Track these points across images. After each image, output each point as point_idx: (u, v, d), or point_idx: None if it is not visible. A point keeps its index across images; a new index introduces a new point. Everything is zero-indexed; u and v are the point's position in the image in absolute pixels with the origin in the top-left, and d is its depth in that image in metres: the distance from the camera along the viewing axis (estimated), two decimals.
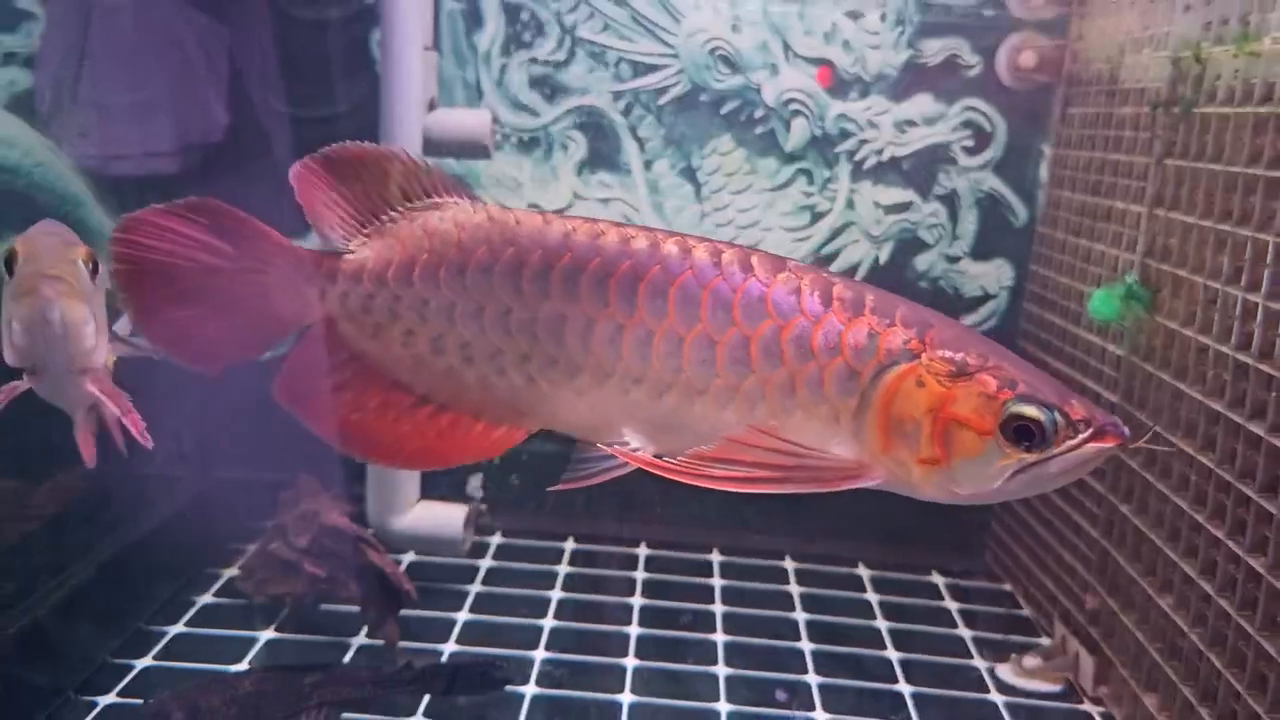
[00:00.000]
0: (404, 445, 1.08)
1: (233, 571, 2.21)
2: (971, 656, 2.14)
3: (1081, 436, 1.02)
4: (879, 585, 2.45)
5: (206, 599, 2.13)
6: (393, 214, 1.09)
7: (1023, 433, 1.01)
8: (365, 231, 1.08)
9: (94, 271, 1.19)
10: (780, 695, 1.94)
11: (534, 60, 2.48)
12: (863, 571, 2.52)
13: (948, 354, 1.04)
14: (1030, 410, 1.01)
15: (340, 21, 2.43)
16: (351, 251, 1.08)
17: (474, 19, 2.44)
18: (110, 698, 1.78)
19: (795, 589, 2.40)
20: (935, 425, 1.02)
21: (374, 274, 1.06)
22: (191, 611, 2.07)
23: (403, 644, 1.95)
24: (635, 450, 1.07)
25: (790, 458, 1.04)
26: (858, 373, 1.04)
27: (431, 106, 2.23)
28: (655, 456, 1.05)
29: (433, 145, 2.17)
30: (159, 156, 2.06)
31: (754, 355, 1.05)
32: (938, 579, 2.52)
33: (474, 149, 2.21)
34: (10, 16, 2.33)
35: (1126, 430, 1.05)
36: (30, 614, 1.81)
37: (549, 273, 1.05)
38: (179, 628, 2.01)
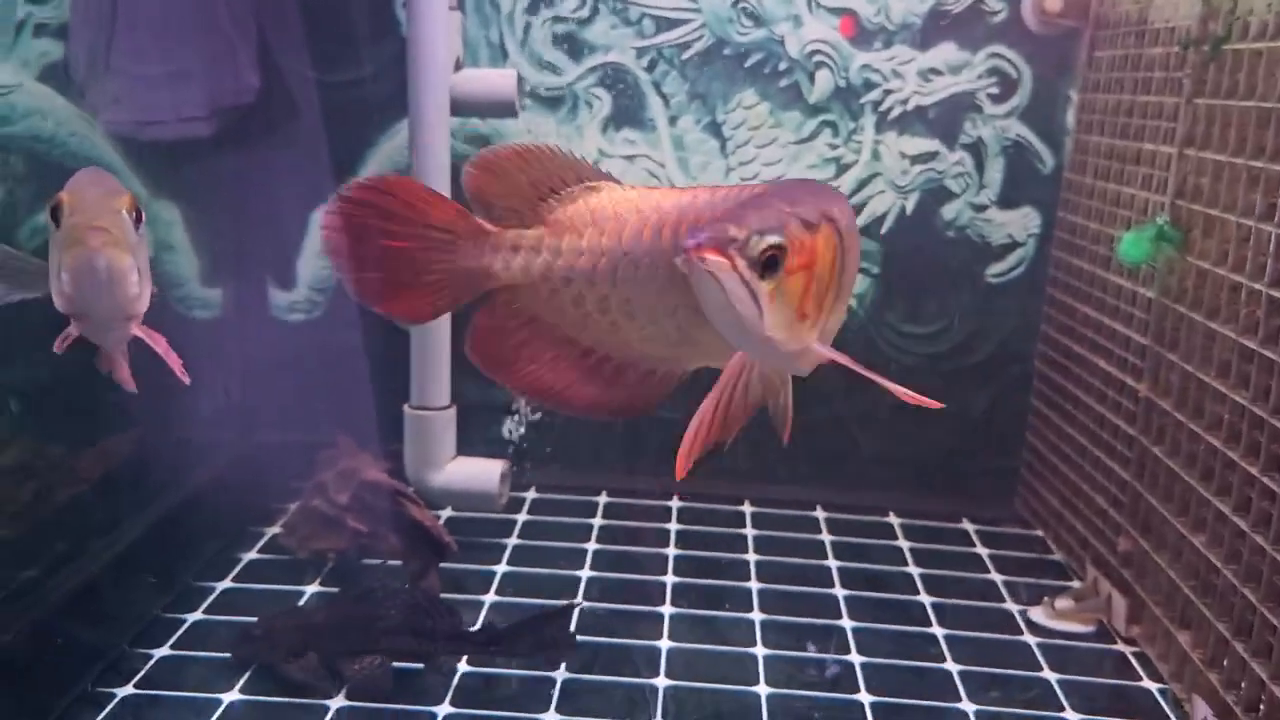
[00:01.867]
0: (576, 391, 1.23)
1: (275, 529, 2.26)
2: (1004, 600, 2.17)
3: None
4: (910, 533, 2.48)
5: (252, 555, 2.18)
6: (554, 198, 1.21)
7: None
8: (534, 212, 1.21)
9: (138, 220, 1.23)
10: (811, 648, 1.98)
11: (557, 18, 2.48)
12: (893, 520, 2.55)
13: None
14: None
15: None
16: (529, 227, 1.21)
17: None
18: (164, 650, 1.83)
19: (827, 538, 2.43)
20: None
21: (550, 246, 1.19)
22: (238, 568, 2.12)
23: (444, 595, 1.99)
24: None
25: None
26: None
27: (457, 67, 2.24)
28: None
29: (459, 105, 2.19)
30: (192, 121, 2.09)
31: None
32: (968, 525, 2.54)
33: (500, 108, 2.23)
34: None
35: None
36: (83, 572, 1.87)
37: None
38: (227, 583, 2.06)
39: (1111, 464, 2.12)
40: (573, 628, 1.80)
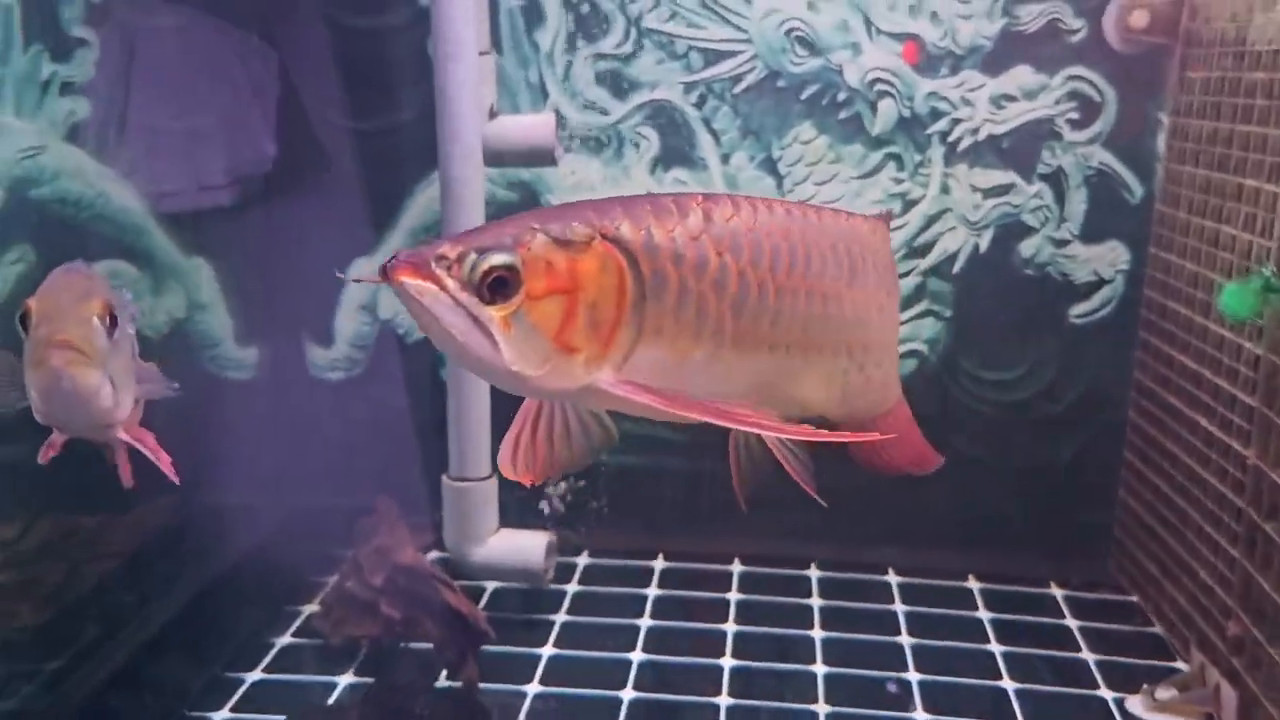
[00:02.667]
0: None
1: (312, 607, 2.15)
2: (1097, 686, 1.97)
3: None
4: (991, 601, 2.28)
5: (285, 640, 2.07)
6: None
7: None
8: None
9: (112, 325, 1.15)
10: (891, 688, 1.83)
11: (599, 55, 2.34)
12: (973, 585, 2.35)
13: None
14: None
15: (396, 28, 2.33)
16: None
17: (535, 15, 2.31)
18: None
19: (900, 608, 2.25)
20: None
21: None
22: (270, 655, 2.01)
23: (483, 685, 1.86)
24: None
25: None
26: None
27: (491, 114, 2.10)
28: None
29: (494, 156, 2.05)
30: (211, 190, 1.99)
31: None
32: (1056, 591, 2.34)
33: (539, 157, 2.09)
34: (65, 45, 2.28)
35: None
36: (110, 662, 1.78)
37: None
38: (257, 674, 1.95)
39: (1217, 536, 1.90)
40: None
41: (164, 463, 1.29)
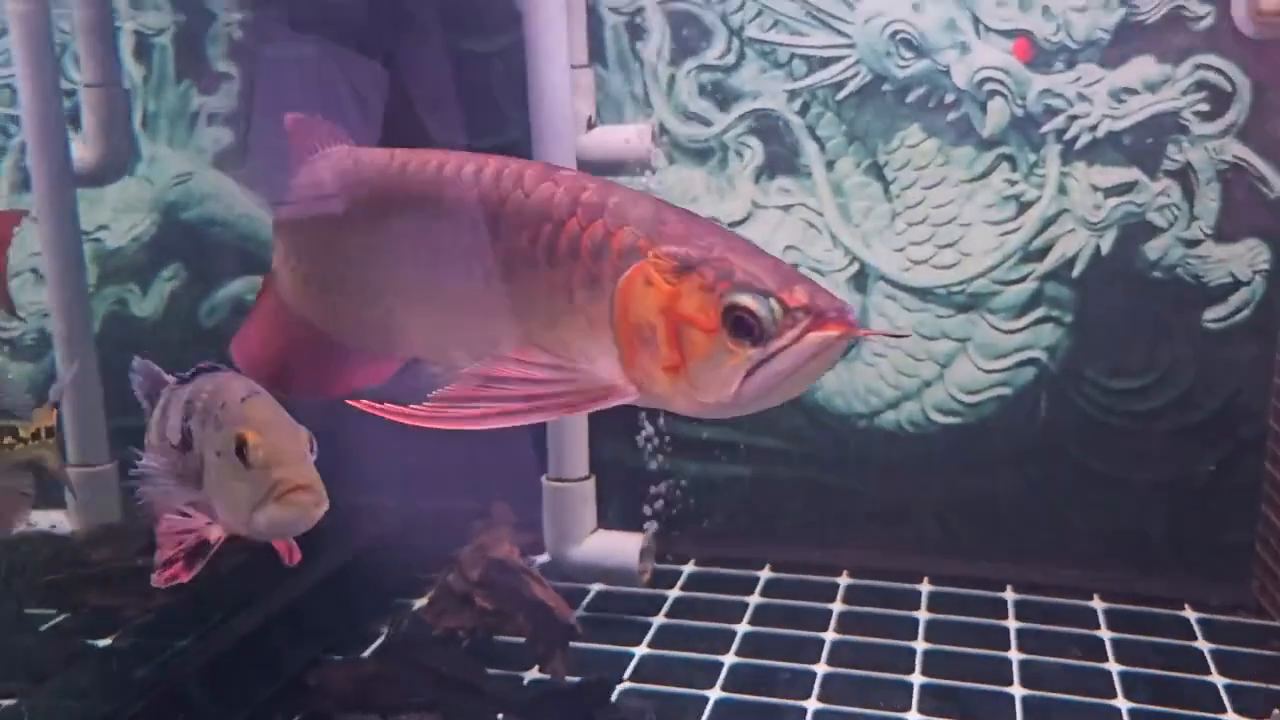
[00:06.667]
0: (303, 375, 1.28)
1: (422, 602, 2.23)
2: (1224, 710, 1.82)
3: (802, 325, 0.89)
4: (1115, 621, 2.14)
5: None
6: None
7: (741, 325, 0.91)
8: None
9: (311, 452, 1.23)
10: None
11: (702, 67, 2.37)
12: (1097, 604, 2.22)
13: (671, 249, 0.95)
14: (744, 299, 0.91)
15: (508, 49, 2.43)
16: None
17: (637, 30, 2.37)
18: None
19: (1013, 624, 2.14)
20: (668, 327, 0.94)
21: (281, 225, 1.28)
22: (375, 644, 2.09)
23: (570, 679, 1.88)
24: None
25: (540, 385, 0.99)
26: (597, 277, 0.98)
27: (590, 125, 2.17)
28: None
29: (590, 165, 2.11)
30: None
31: (515, 267, 1.04)
32: (1189, 613, 2.18)
33: (634, 166, 2.13)
34: (210, 79, 2.49)
35: (853, 316, 0.90)
36: (225, 641, 1.90)
37: (382, 209, 1.16)
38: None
39: None
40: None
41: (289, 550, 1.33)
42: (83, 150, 2.27)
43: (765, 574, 2.39)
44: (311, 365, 1.26)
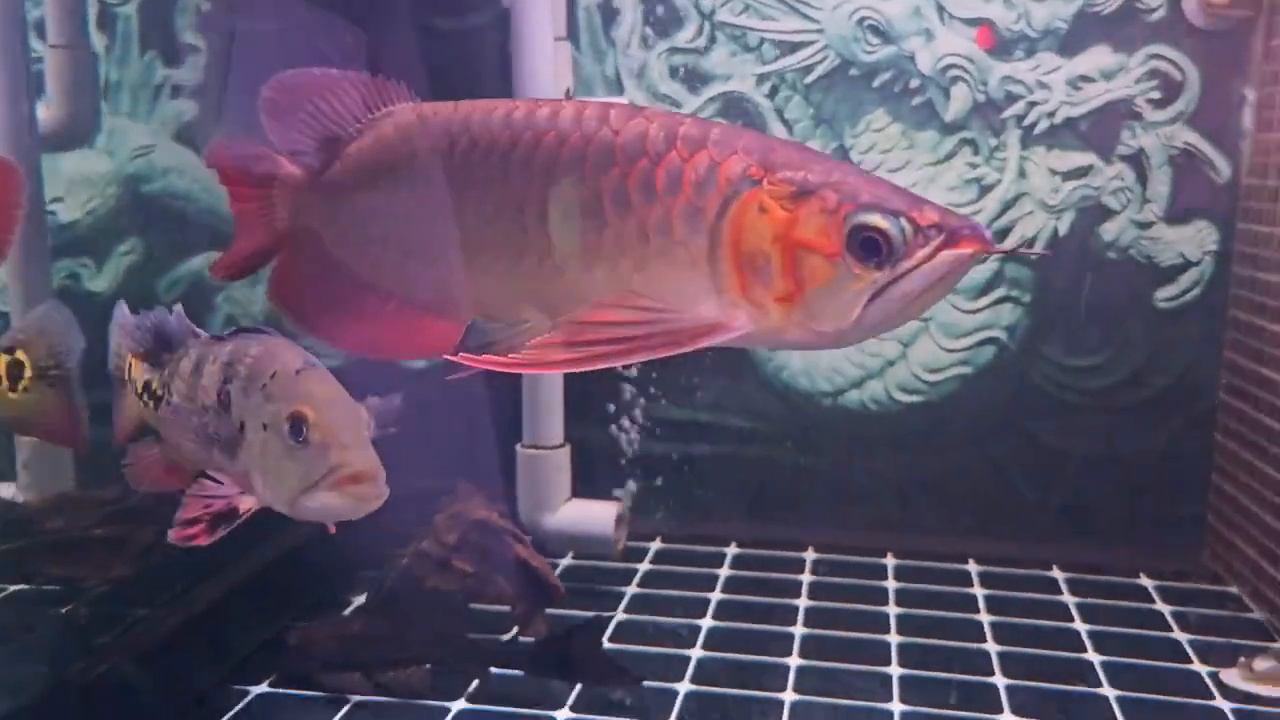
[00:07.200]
0: (365, 335, 1.18)
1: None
2: (1190, 661, 1.87)
3: (934, 244, 0.90)
4: (1077, 588, 2.20)
5: (360, 600, 2.10)
6: (354, 128, 1.16)
7: (870, 246, 0.90)
8: (330, 146, 1.17)
9: None
10: None
11: (674, 49, 2.41)
12: (1058, 574, 2.27)
13: (788, 174, 0.94)
14: (874, 219, 0.90)
15: (481, 29, 2.44)
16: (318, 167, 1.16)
17: (610, 11, 2.40)
18: (261, 687, 1.76)
19: (980, 591, 2.18)
20: (784, 254, 0.93)
21: (335, 184, 1.16)
22: (349, 610, 2.05)
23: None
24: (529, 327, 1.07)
25: (640, 325, 0.96)
26: (701, 209, 0.96)
27: (568, 97, 2.18)
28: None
29: None
30: None
31: (606, 207, 1.00)
32: (1146, 581, 2.24)
33: None
34: (176, 51, 2.45)
35: (988, 234, 0.92)
36: (188, 611, 1.84)
37: (454, 161, 1.09)
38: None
39: None
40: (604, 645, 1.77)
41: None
42: (48, 113, 2.22)
43: (732, 550, 2.40)
44: (372, 324, 1.17)
